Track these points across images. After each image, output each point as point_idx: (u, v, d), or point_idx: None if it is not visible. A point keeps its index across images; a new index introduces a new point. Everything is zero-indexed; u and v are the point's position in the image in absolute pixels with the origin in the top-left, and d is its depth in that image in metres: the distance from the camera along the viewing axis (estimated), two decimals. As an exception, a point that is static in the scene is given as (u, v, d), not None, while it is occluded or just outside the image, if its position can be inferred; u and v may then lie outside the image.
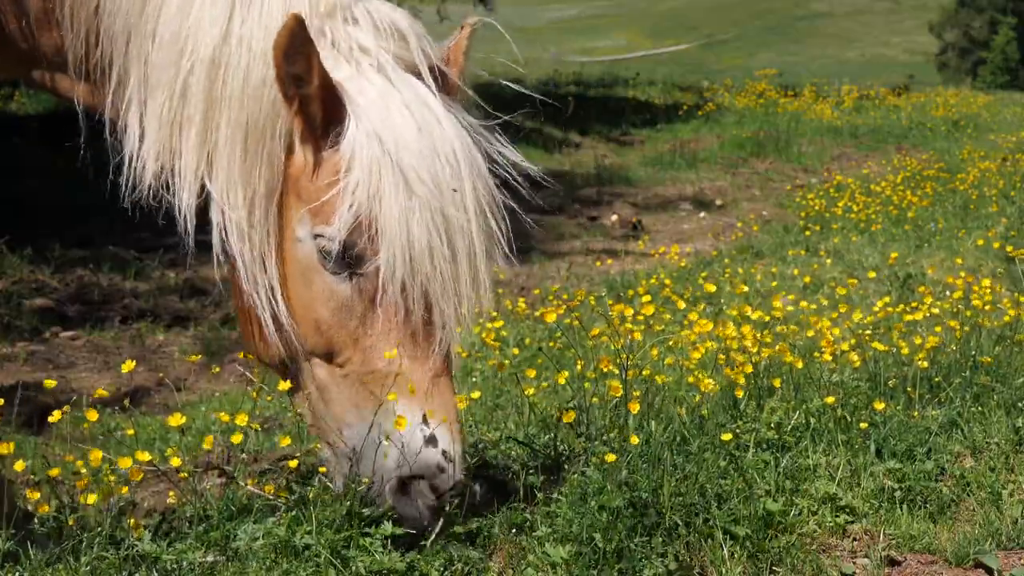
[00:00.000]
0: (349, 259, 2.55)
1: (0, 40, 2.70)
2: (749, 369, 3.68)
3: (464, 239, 2.60)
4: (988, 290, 4.77)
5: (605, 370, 3.47)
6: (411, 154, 2.53)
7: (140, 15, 2.55)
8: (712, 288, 6.51)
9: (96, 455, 2.68)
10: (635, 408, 3.26)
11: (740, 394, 3.69)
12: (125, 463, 2.72)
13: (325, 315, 2.61)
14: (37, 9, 2.64)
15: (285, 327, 2.62)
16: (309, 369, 2.68)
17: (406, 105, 2.57)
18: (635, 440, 2.91)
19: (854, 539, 3.02)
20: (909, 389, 3.94)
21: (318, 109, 2.51)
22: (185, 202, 2.58)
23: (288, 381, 2.76)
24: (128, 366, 2.98)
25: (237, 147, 2.53)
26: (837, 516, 3.05)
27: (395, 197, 2.52)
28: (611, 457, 2.76)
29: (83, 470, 2.66)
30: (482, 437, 3.48)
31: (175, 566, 2.55)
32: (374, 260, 2.54)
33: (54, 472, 2.73)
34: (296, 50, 2.42)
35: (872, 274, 7.76)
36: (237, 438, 2.91)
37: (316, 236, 2.57)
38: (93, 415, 2.72)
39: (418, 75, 2.64)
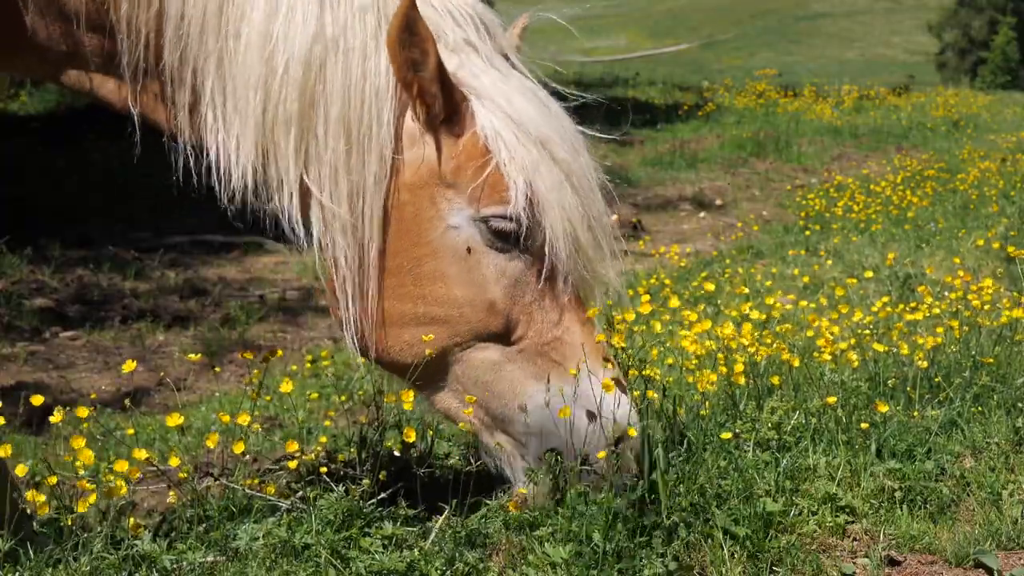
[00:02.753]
0: (522, 234, 2.62)
1: (35, 42, 2.66)
2: (740, 368, 3.67)
3: (598, 204, 2.74)
4: (988, 290, 4.77)
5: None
6: (543, 130, 2.64)
7: (219, 16, 2.53)
8: (711, 287, 6.51)
9: (88, 454, 2.67)
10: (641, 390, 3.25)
11: (742, 382, 3.68)
12: (121, 466, 2.71)
13: (499, 294, 2.66)
14: (82, 12, 2.59)
15: (424, 316, 2.63)
16: (468, 356, 2.69)
17: (519, 89, 2.68)
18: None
19: (854, 539, 3.02)
20: (909, 389, 3.93)
21: (437, 93, 2.55)
22: (286, 202, 2.58)
23: (415, 381, 2.73)
24: (129, 366, 2.98)
25: (340, 140, 2.54)
26: (837, 516, 3.05)
27: (548, 169, 2.63)
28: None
29: (81, 471, 2.66)
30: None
31: (175, 566, 2.55)
32: (540, 231, 2.63)
33: (52, 480, 2.72)
34: (411, 33, 2.47)
35: (870, 274, 7.76)
36: (239, 448, 2.91)
37: (485, 219, 2.61)
38: (83, 412, 2.72)
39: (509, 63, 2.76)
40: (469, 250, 2.63)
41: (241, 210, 2.63)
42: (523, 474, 2.76)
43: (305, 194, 2.60)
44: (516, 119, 2.62)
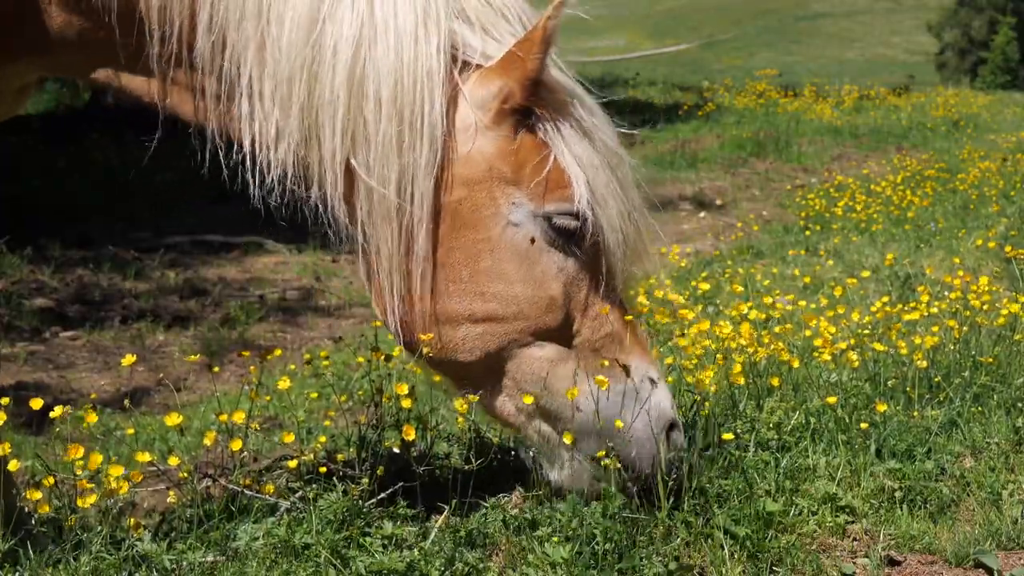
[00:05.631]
0: (582, 231, 2.63)
1: (63, 40, 2.63)
2: (738, 369, 3.66)
3: (637, 197, 2.77)
4: (984, 288, 4.77)
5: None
6: (588, 123, 2.68)
7: (259, 2, 2.49)
8: (706, 287, 6.50)
9: (96, 459, 2.66)
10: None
11: (741, 382, 3.67)
12: (116, 471, 2.69)
13: (558, 291, 2.66)
14: (111, 6, 2.54)
15: (481, 313, 2.61)
16: (524, 354, 2.67)
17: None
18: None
19: (854, 539, 3.02)
20: (909, 389, 3.93)
21: (535, 92, 2.58)
22: (329, 188, 2.55)
23: (463, 379, 2.72)
24: (128, 360, 2.97)
25: (392, 122, 2.51)
26: (837, 516, 3.05)
27: (601, 163, 2.65)
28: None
29: (80, 471, 2.65)
30: (485, 436, 3.47)
31: (175, 566, 2.55)
32: (596, 227, 2.65)
33: (49, 481, 2.72)
34: (555, 35, 2.52)
35: (866, 273, 7.76)
36: (236, 445, 2.90)
37: (548, 216, 2.61)
38: (93, 417, 2.71)
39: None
40: (530, 247, 2.63)
41: (279, 203, 2.59)
42: (563, 463, 2.77)
43: (349, 179, 2.57)
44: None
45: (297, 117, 2.52)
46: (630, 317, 2.79)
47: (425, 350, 2.65)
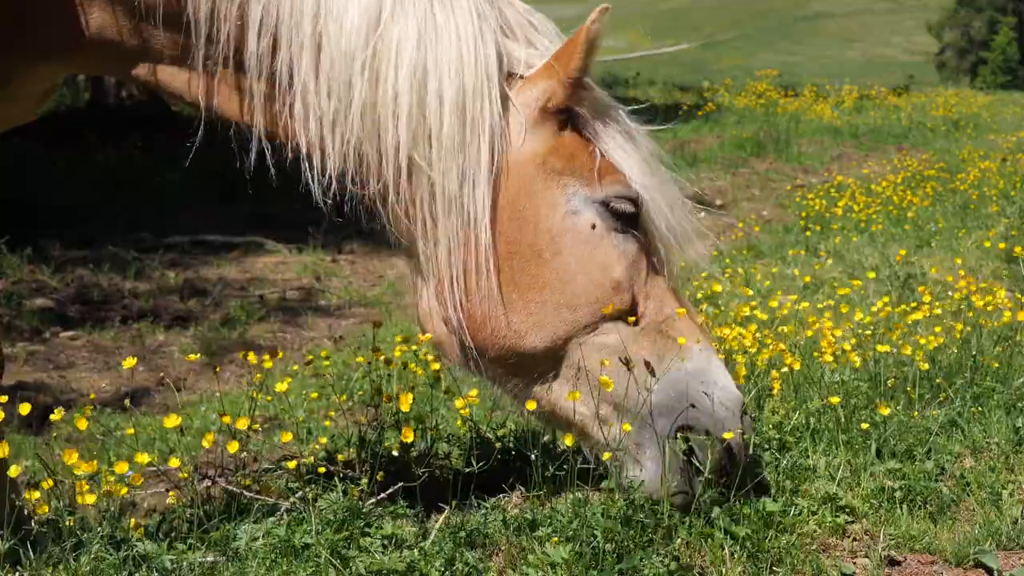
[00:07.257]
0: (636, 214, 2.74)
1: (103, 39, 2.62)
2: (743, 372, 3.66)
3: (673, 184, 2.88)
4: (988, 290, 4.76)
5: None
6: (615, 114, 2.82)
7: (316, 2, 2.54)
8: (718, 288, 6.50)
9: (92, 465, 2.65)
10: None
11: (741, 382, 3.67)
12: (122, 468, 2.69)
13: (622, 275, 2.73)
14: (156, 5, 2.55)
15: (549, 301, 2.67)
16: (591, 341, 2.71)
17: None
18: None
19: (854, 539, 3.02)
20: (909, 389, 3.93)
21: (576, 92, 2.69)
22: (390, 181, 2.60)
23: (521, 373, 2.74)
24: (129, 363, 2.97)
25: (455, 118, 2.58)
26: (837, 516, 3.05)
27: (644, 160, 2.78)
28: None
29: (80, 472, 2.64)
30: (484, 435, 3.47)
31: (175, 566, 2.55)
32: (648, 212, 2.76)
33: (48, 484, 2.71)
34: (598, 39, 2.64)
35: (872, 274, 7.75)
36: (233, 447, 2.89)
37: (606, 201, 2.71)
38: (83, 424, 2.70)
39: None
40: (591, 233, 2.70)
41: (334, 199, 2.63)
42: (648, 460, 2.74)
43: (409, 174, 2.61)
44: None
45: (358, 115, 2.57)
46: (681, 299, 2.87)
47: (491, 346, 2.69)
